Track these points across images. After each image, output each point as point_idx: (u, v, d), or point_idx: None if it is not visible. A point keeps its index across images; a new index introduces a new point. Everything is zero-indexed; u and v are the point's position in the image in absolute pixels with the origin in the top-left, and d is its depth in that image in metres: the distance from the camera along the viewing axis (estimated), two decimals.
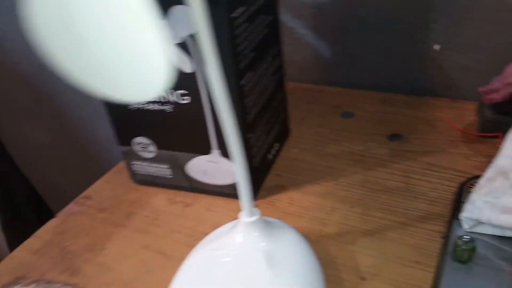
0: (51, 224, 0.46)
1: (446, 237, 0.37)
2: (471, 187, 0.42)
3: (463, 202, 0.40)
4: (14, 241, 1.32)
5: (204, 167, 0.44)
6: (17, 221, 1.32)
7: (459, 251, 0.35)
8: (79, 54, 0.20)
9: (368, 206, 0.42)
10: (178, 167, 0.45)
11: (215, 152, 0.43)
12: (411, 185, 0.44)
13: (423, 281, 0.34)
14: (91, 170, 1.13)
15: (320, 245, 0.39)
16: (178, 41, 0.36)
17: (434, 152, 0.49)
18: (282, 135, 0.53)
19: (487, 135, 0.49)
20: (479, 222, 0.37)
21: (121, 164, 0.54)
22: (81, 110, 0.99)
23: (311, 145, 0.53)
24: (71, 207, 0.48)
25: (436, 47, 0.59)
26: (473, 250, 0.35)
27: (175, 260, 0.40)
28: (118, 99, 0.21)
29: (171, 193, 0.48)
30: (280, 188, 0.47)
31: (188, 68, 0.38)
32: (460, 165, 0.46)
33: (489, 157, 0.45)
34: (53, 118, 1.07)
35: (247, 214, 0.34)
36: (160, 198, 0.48)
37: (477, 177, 0.42)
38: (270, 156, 0.49)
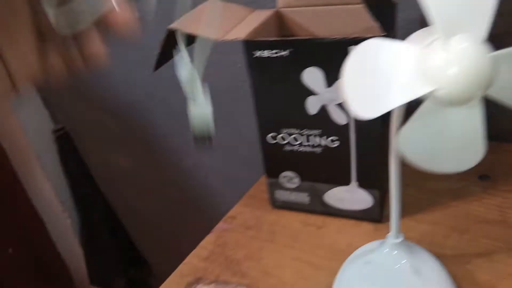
0: (209, 238, 0.57)
1: None
2: None
3: None
4: (90, 257, 1.44)
5: (341, 196, 0.55)
6: (92, 239, 1.44)
7: None
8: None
9: (475, 234, 0.53)
10: (317, 196, 0.56)
11: (354, 184, 0.53)
12: (508, 218, 0.54)
13: None
14: (170, 195, 1.23)
15: (443, 264, 0.49)
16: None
17: None
18: None
19: None
20: None
21: (252, 191, 0.65)
22: (170, 141, 1.10)
23: (411, 181, 0.63)
24: (221, 225, 0.59)
25: None
26: None
27: (324, 269, 0.50)
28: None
29: (302, 216, 0.59)
30: None
31: (343, 121, 0.49)
32: None
33: None
34: (141, 147, 1.18)
35: (394, 236, 0.45)
36: (294, 220, 0.59)
37: None
38: None
